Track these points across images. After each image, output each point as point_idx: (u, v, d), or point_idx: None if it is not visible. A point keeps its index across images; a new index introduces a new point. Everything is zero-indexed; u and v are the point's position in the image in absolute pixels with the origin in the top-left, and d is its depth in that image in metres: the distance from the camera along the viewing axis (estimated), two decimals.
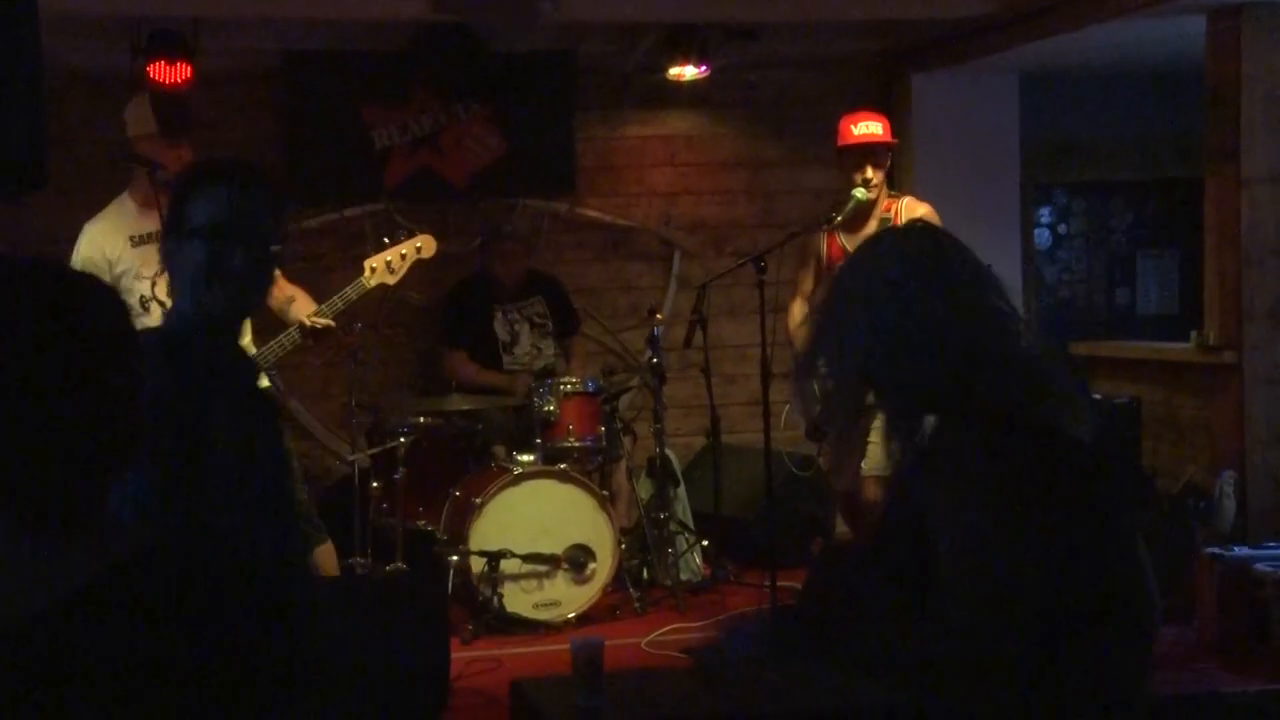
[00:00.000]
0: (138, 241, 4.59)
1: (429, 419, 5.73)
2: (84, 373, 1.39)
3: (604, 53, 6.77)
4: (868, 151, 4.95)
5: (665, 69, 6.54)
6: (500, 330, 6.23)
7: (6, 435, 1.35)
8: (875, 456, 4.90)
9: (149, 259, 4.51)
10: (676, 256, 7.12)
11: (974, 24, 6.40)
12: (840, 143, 5.06)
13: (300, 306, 4.66)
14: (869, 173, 4.92)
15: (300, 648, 1.44)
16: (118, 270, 4.55)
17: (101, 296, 1.46)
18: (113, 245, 4.58)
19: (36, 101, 2.93)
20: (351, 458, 5.69)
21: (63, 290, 1.43)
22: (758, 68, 7.00)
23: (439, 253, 6.65)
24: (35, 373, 1.36)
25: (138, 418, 1.45)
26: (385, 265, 4.84)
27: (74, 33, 5.78)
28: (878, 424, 4.94)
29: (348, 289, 4.74)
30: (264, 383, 4.48)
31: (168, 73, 5.82)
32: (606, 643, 5.04)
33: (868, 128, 4.97)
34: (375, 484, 5.62)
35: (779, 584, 4.96)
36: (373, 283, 4.81)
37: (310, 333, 4.50)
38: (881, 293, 1.96)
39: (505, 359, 6.21)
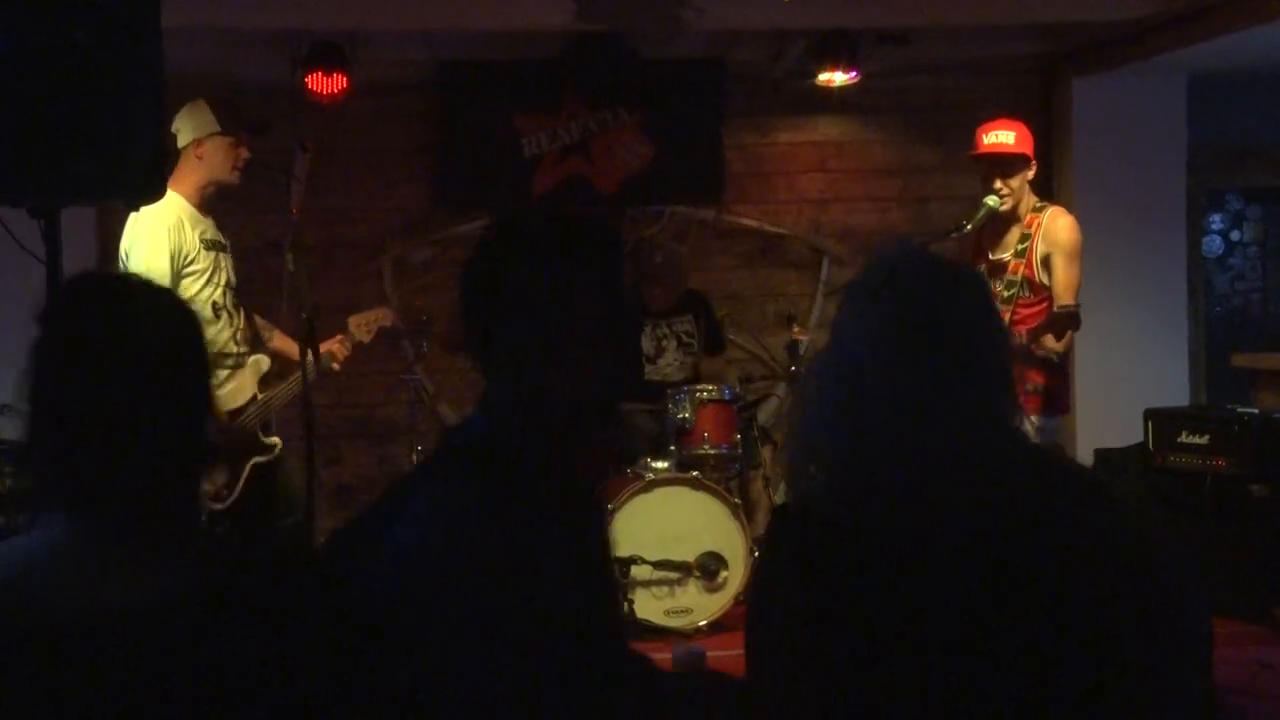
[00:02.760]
0: (209, 245, 4.55)
1: None
2: (161, 381, 1.45)
3: (753, 59, 6.75)
4: (995, 162, 4.83)
5: (815, 75, 6.48)
6: (646, 344, 6.26)
7: (101, 445, 1.41)
8: None
9: (216, 265, 4.54)
10: (825, 263, 7.06)
11: (1134, 26, 6.19)
12: (971, 152, 4.95)
13: (281, 338, 4.93)
14: (998, 184, 4.80)
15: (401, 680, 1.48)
16: (192, 269, 4.46)
17: (173, 307, 1.53)
18: (188, 241, 4.46)
19: (157, 116, 3.08)
20: None
21: (143, 303, 1.49)
22: (910, 73, 6.89)
23: None
24: (126, 383, 1.42)
25: (211, 426, 1.50)
26: (364, 325, 5.06)
27: (236, 46, 6.03)
28: None
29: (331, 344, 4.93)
30: (273, 439, 4.64)
31: (325, 84, 6.02)
32: (736, 653, 5.09)
33: (996, 138, 4.84)
34: None
35: None
36: (359, 336, 5.03)
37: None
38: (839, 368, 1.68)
39: (648, 368, 6.24)
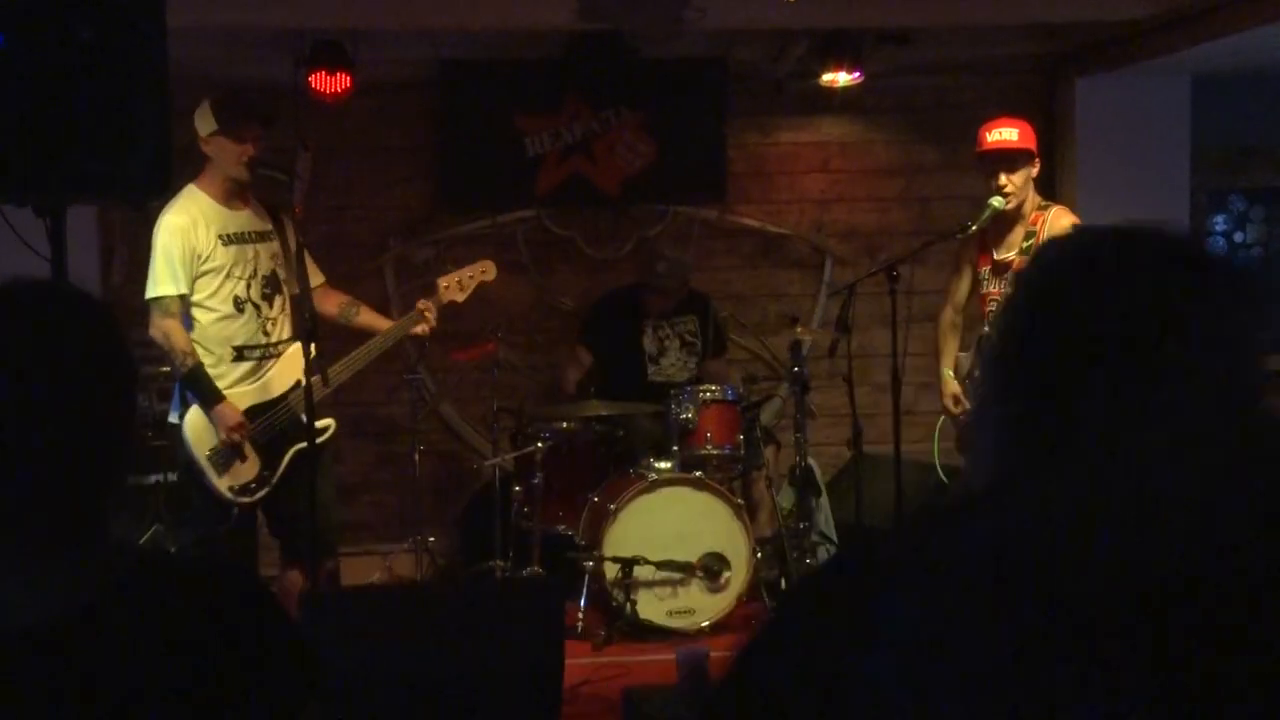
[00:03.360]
0: (229, 240, 4.56)
1: (570, 424, 5.79)
2: (85, 393, 1.42)
3: (756, 59, 6.74)
4: (1001, 158, 4.83)
5: (818, 75, 6.47)
6: (648, 344, 6.25)
7: (12, 458, 1.39)
8: None
9: (240, 259, 4.55)
10: (828, 264, 7.05)
11: (1137, 26, 6.18)
12: (976, 149, 4.95)
13: (368, 312, 4.94)
14: (1002, 180, 4.80)
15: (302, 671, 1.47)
16: (208, 266, 4.49)
17: (93, 314, 1.49)
18: (203, 240, 4.49)
19: (163, 115, 3.06)
20: (490, 461, 5.78)
21: (57, 311, 1.46)
22: (913, 73, 6.88)
23: (589, 258, 6.82)
24: (36, 394, 1.39)
25: (132, 435, 1.48)
26: (457, 284, 5.04)
27: (238, 45, 6.02)
28: None
29: (423, 302, 4.95)
30: (326, 421, 4.64)
31: (328, 83, 6.01)
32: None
33: (1001, 134, 4.85)
34: (517, 488, 5.70)
35: None
36: (445, 299, 4.99)
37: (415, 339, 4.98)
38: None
39: (650, 369, 6.22)
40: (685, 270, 6.29)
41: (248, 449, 4.52)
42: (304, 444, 4.52)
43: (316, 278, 4.86)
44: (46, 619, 1.36)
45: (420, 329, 4.88)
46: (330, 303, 4.89)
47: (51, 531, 1.41)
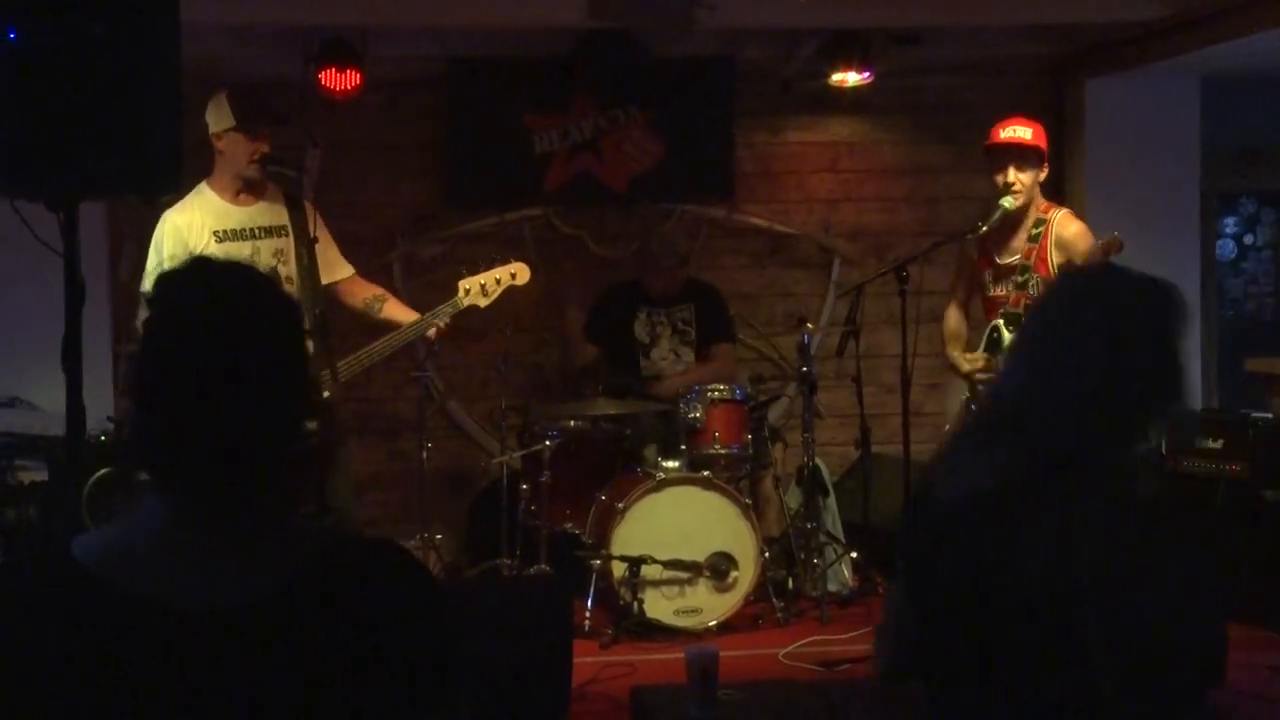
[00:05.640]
0: (223, 237, 4.56)
1: (577, 422, 5.78)
2: (269, 369, 1.45)
3: (764, 58, 6.73)
4: (1011, 153, 4.81)
5: (827, 75, 6.47)
6: (640, 332, 6.22)
7: (201, 433, 1.41)
8: None
9: (235, 256, 4.49)
10: (836, 264, 7.04)
11: (1147, 27, 6.18)
12: (986, 143, 4.94)
13: (394, 305, 4.88)
14: (1010, 174, 4.79)
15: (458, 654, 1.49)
16: None
17: (276, 296, 1.52)
18: (197, 237, 4.51)
19: (175, 110, 3.07)
20: (497, 459, 5.78)
21: (247, 291, 1.49)
22: (922, 73, 6.87)
23: (596, 256, 6.82)
24: (229, 372, 1.42)
25: (308, 414, 1.50)
26: (479, 288, 4.95)
27: (249, 42, 6.03)
28: None
29: (443, 306, 4.86)
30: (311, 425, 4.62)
31: (338, 80, 6.02)
32: (745, 653, 5.10)
33: (1015, 131, 4.85)
34: (524, 486, 5.70)
35: None
36: (465, 303, 4.92)
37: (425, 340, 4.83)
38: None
39: (643, 361, 6.21)
40: (679, 247, 6.27)
41: None
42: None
43: (345, 270, 4.86)
44: (248, 598, 1.38)
45: (432, 333, 4.84)
46: (357, 295, 4.88)
47: (256, 506, 1.44)
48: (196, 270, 1.51)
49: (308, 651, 1.37)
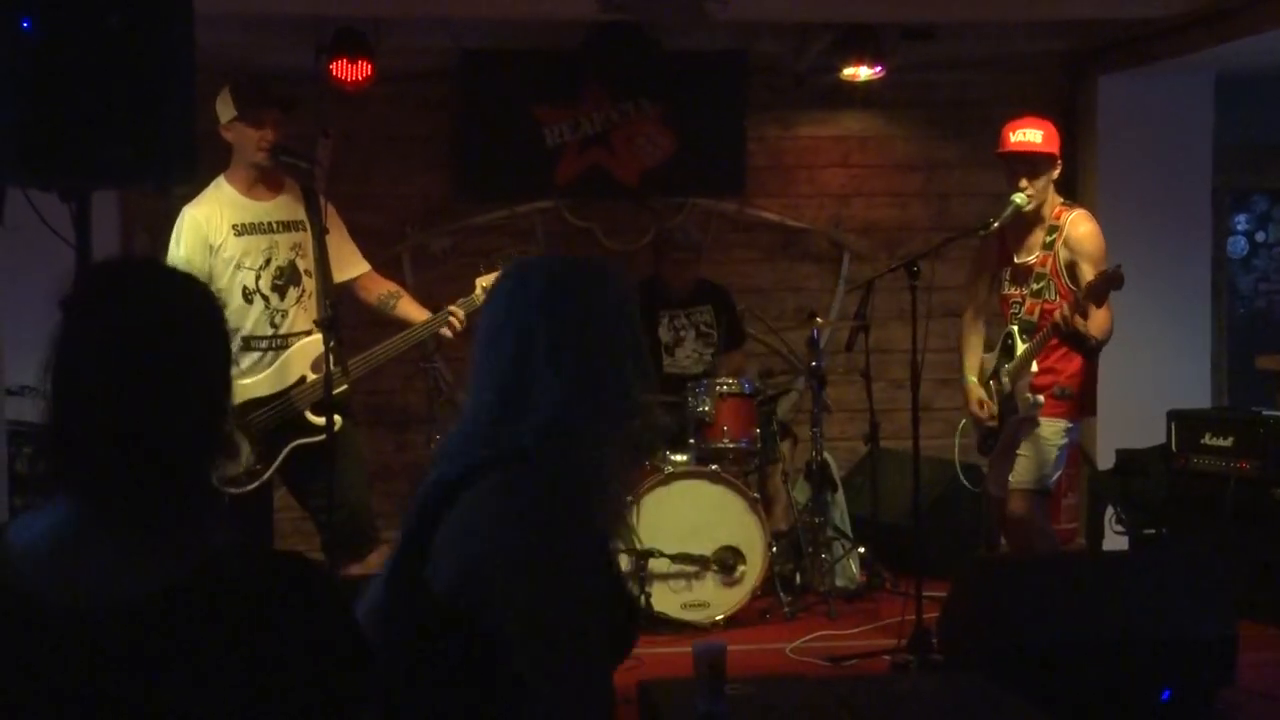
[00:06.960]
0: (241, 230, 4.56)
1: None
2: (181, 369, 1.45)
3: (776, 53, 6.72)
4: (1022, 161, 4.79)
5: (839, 69, 6.46)
6: (664, 333, 6.23)
7: (113, 430, 1.41)
8: (1023, 470, 4.86)
9: (253, 249, 4.54)
10: (846, 259, 7.03)
11: (1161, 24, 6.16)
12: (997, 149, 4.92)
13: (408, 303, 4.86)
14: (1023, 183, 4.77)
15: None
16: (221, 258, 4.51)
17: (197, 295, 1.52)
18: (216, 231, 4.52)
19: (189, 100, 3.07)
20: None
21: (166, 290, 1.49)
22: (935, 68, 6.86)
23: (607, 250, 6.81)
24: (134, 371, 1.42)
25: (227, 416, 1.50)
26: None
27: (261, 32, 6.03)
28: (1030, 437, 4.84)
29: (458, 304, 4.83)
30: (320, 420, 4.55)
31: (350, 71, 6.02)
32: (752, 648, 5.10)
33: (1024, 135, 4.80)
34: None
35: (926, 595, 4.84)
36: (481, 300, 4.89)
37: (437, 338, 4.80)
38: None
39: (665, 360, 6.21)
40: (696, 236, 6.28)
41: (240, 440, 4.48)
42: (305, 439, 4.51)
43: (361, 266, 4.85)
44: (144, 593, 1.38)
45: (445, 331, 4.82)
46: (372, 292, 4.87)
47: (162, 505, 1.43)
48: (115, 271, 1.51)
49: (200, 652, 1.36)
